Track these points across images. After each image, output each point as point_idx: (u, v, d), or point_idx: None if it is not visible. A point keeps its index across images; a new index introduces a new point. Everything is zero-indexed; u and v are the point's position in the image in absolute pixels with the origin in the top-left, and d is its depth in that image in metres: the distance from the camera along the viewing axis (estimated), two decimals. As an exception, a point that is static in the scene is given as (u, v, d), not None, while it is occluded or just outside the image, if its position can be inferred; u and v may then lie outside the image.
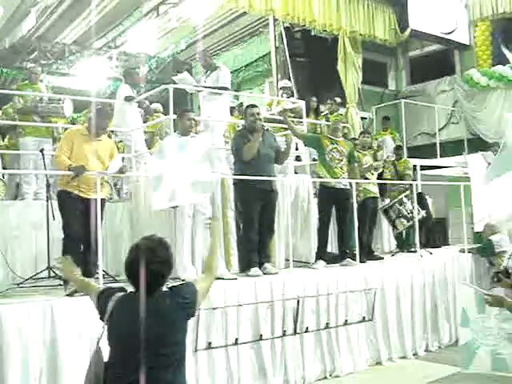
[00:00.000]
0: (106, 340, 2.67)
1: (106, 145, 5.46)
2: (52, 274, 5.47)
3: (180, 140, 5.44)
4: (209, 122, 7.44)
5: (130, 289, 2.73)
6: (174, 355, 2.63)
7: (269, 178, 6.19)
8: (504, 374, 5.86)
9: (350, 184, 6.92)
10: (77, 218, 5.14)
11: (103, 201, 5.21)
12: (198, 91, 7.78)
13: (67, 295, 4.72)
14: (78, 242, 5.13)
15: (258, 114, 6.32)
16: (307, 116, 9.23)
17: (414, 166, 9.34)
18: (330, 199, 6.94)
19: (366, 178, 7.84)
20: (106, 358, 2.67)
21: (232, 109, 9.23)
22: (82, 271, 5.13)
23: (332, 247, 7.56)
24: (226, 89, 7.51)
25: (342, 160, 6.94)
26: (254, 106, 6.55)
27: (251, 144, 6.13)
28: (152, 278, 2.61)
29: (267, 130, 6.54)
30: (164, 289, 2.72)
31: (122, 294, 2.74)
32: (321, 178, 6.98)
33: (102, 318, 2.73)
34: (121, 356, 2.61)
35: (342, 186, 6.92)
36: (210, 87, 7.44)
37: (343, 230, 7.02)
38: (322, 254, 6.92)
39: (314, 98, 9.73)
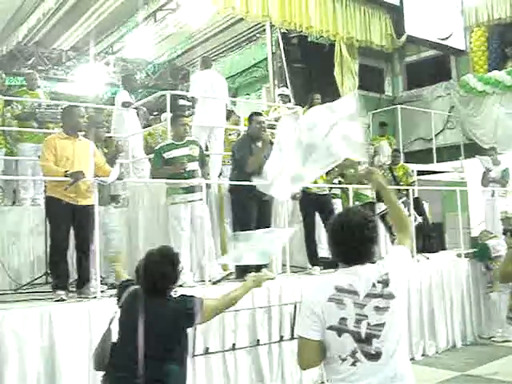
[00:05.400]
0: (117, 324, 3.03)
1: (86, 145, 5.38)
2: (49, 280, 5.48)
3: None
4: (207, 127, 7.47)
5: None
6: (169, 353, 2.91)
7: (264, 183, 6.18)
8: (503, 379, 5.90)
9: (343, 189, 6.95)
10: (64, 225, 5.09)
11: (93, 207, 5.08)
12: (192, 102, 7.79)
13: (57, 301, 4.76)
14: (65, 250, 5.08)
15: (264, 122, 6.31)
16: None
17: (412, 171, 9.36)
18: (312, 206, 6.88)
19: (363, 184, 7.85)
20: (114, 339, 3.03)
21: (229, 113, 9.25)
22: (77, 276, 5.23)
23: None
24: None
25: None
26: (259, 113, 6.54)
27: (257, 156, 6.05)
28: (158, 283, 2.95)
29: (271, 142, 6.48)
30: (172, 294, 3.03)
31: (136, 287, 3.05)
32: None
33: (118, 304, 3.12)
34: (123, 341, 2.96)
35: (324, 193, 6.91)
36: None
37: None
38: (314, 261, 6.85)
39: (318, 95, 9.59)
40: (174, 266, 3.00)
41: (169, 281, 2.98)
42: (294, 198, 7.05)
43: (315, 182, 6.85)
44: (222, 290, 5.38)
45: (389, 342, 2.34)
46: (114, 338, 3.04)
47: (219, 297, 3.24)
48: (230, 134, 8.38)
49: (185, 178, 5.72)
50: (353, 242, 2.41)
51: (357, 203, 7.13)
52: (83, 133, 5.68)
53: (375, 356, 2.33)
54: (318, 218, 6.99)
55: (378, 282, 2.38)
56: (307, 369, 2.50)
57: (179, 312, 2.94)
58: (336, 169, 7.14)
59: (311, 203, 6.84)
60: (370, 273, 2.40)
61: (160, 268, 2.95)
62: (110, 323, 3.07)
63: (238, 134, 8.04)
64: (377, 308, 2.34)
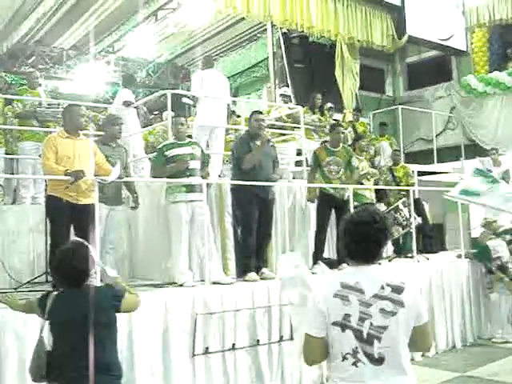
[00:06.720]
0: (49, 332, 3.09)
1: (86, 144, 5.39)
2: (49, 279, 5.47)
3: None
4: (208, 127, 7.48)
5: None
6: (108, 337, 3.07)
7: (266, 184, 6.18)
8: (503, 380, 5.89)
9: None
10: (64, 224, 5.10)
11: (93, 206, 5.06)
12: (193, 101, 7.81)
13: None
14: None
15: (264, 120, 6.31)
16: (313, 113, 9.23)
17: (412, 171, 9.36)
18: (329, 204, 6.92)
19: (362, 184, 7.84)
20: (49, 347, 3.10)
21: (231, 114, 9.25)
22: None
23: (329, 252, 7.55)
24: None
25: (339, 171, 6.97)
26: (259, 112, 6.54)
27: (253, 154, 6.09)
28: (77, 274, 3.09)
29: (269, 141, 6.47)
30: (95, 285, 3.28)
31: (57, 292, 3.19)
32: (321, 188, 6.98)
33: (42, 316, 3.15)
34: (64, 341, 3.02)
35: (341, 196, 6.93)
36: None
37: None
38: (318, 258, 6.85)
39: (319, 96, 9.59)
40: (83, 258, 3.12)
41: (81, 272, 3.10)
42: (310, 200, 7.08)
43: (331, 183, 6.89)
44: (223, 290, 5.42)
45: (392, 348, 2.36)
46: (48, 346, 3.11)
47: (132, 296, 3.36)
48: (228, 133, 8.38)
49: (186, 176, 5.73)
50: (359, 239, 2.47)
51: (355, 204, 7.10)
52: (87, 132, 5.67)
53: (379, 360, 2.35)
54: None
55: (388, 285, 2.39)
56: (312, 364, 2.55)
57: (106, 294, 3.16)
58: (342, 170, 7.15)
59: (327, 203, 6.89)
60: (377, 274, 2.44)
61: (71, 261, 3.07)
62: (41, 332, 3.14)
63: (237, 135, 8.03)
64: (382, 310, 2.35)
